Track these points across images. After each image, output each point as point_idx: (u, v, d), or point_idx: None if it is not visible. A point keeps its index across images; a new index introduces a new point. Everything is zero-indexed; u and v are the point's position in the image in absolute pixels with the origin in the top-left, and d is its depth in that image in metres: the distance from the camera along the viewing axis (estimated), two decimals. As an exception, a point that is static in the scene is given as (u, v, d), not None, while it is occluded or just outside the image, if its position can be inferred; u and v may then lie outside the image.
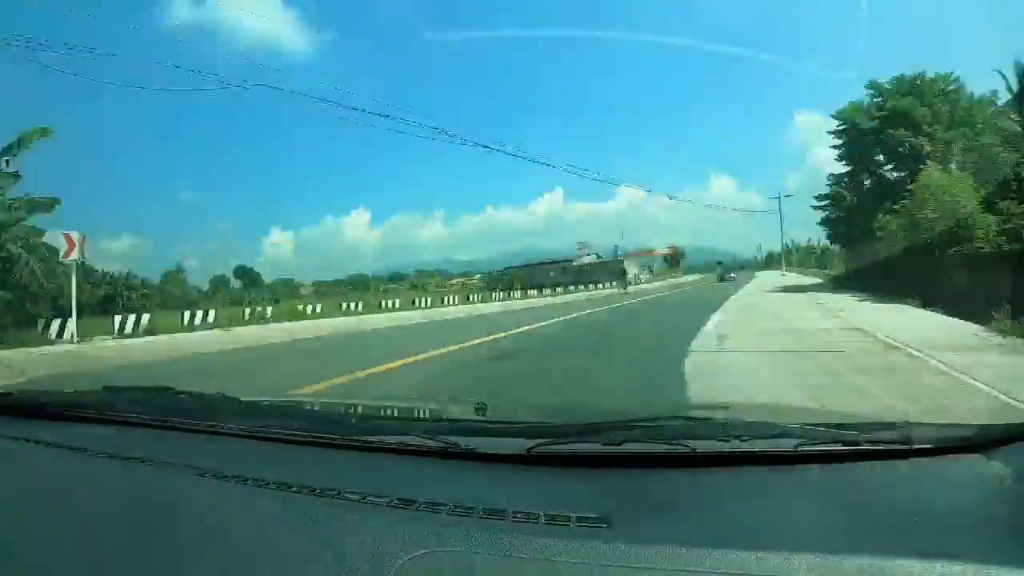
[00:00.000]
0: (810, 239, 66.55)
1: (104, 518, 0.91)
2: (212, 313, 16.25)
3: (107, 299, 23.48)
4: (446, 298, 30.35)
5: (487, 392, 5.55)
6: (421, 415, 1.52)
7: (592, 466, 0.97)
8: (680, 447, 0.96)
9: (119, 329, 13.13)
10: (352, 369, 6.84)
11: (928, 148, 17.46)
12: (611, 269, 47.06)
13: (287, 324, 15.82)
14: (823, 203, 23.62)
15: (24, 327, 12.27)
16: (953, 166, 16.30)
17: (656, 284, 47.47)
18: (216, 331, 13.77)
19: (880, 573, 0.66)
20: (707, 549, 0.70)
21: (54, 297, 14.13)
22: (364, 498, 0.87)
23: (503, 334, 11.03)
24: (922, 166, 15.72)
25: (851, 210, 21.26)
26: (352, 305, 23.48)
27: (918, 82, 19.40)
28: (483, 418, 1.26)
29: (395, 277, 75.74)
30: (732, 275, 48.52)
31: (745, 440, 0.96)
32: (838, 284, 23.56)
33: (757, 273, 58.09)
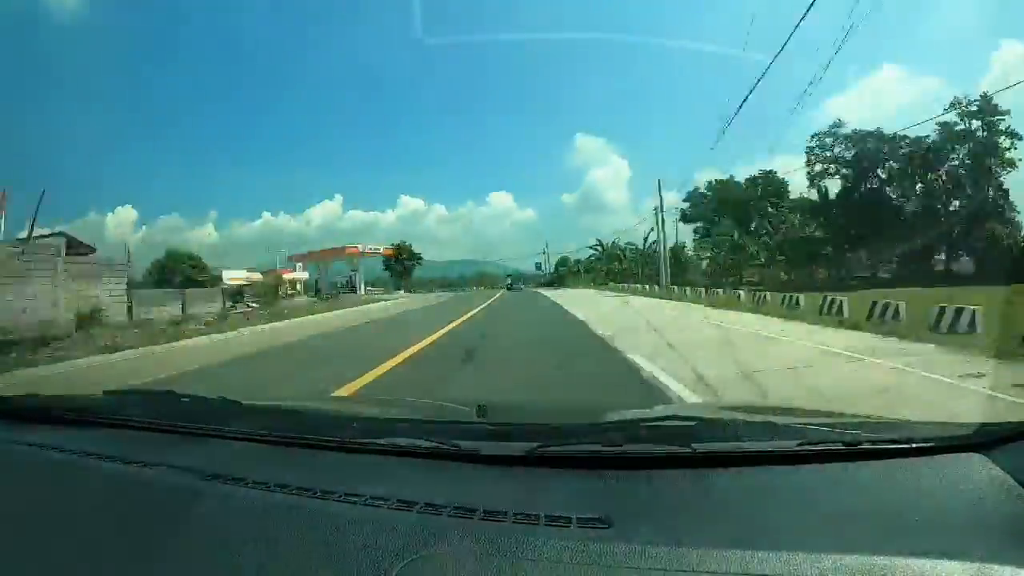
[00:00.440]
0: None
1: (105, 522, 0.91)
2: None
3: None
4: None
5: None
6: (422, 417, 1.52)
7: (592, 467, 0.97)
8: (680, 447, 0.96)
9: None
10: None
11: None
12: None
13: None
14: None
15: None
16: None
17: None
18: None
19: (881, 572, 0.66)
20: (708, 549, 0.70)
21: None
22: (365, 500, 0.87)
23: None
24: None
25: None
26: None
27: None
28: (484, 420, 1.26)
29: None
30: (520, 286, 48.31)
31: (745, 440, 0.96)
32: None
33: (565, 290, 43.11)
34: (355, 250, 47.41)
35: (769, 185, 41.69)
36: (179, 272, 26.84)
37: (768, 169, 42.38)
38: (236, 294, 23.50)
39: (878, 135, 34.48)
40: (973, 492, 0.89)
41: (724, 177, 45.01)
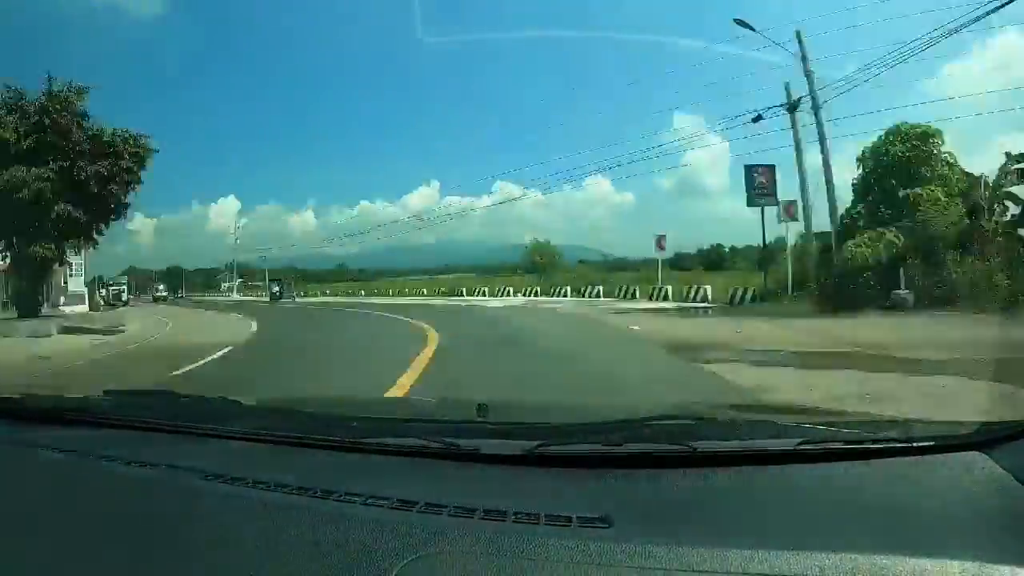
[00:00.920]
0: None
1: (105, 522, 0.91)
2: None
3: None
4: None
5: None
6: (422, 416, 1.52)
7: (593, 466, 0.97)
8: (681, 447, 0.96)
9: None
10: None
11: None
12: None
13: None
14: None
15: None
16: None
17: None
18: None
19: (882, 571, 0.66)
20: (708, 549, 0.70)
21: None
22: (365, 500, 0.87)
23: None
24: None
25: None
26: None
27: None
28: (484, 419, 1.26)
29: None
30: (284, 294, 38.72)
31: (746, 439, 0.96)
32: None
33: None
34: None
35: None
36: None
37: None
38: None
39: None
40: (974, 491, 0.89)
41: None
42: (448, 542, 0.75)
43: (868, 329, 10.89)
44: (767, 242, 22.01)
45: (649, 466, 0.96)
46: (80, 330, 14.78)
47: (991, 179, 16.10)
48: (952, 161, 18.05)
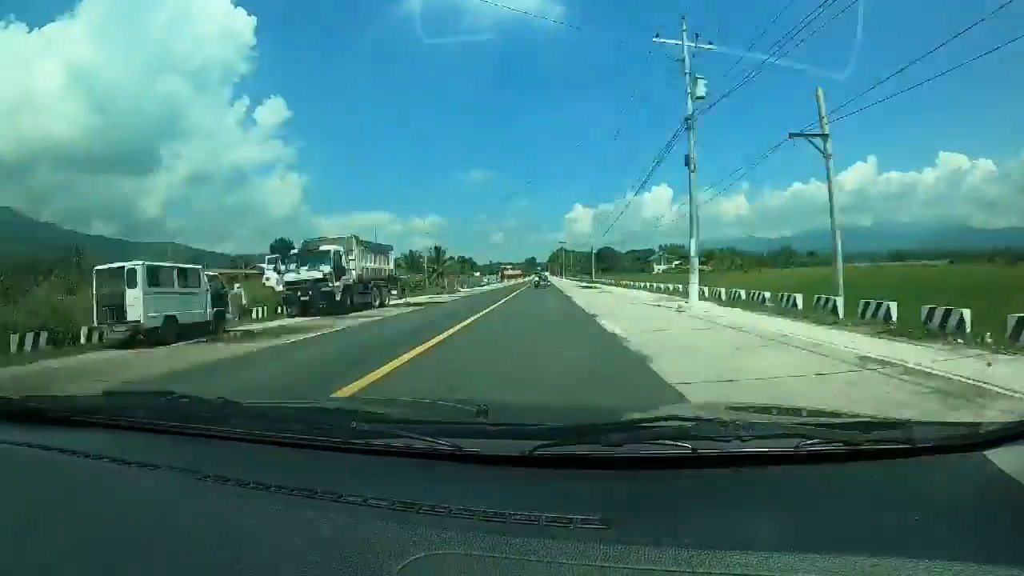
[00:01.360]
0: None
1: (105, 522, 0.91)
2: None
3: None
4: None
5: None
6: (422, 418, 1.52)
7: (593, 468, 0.97)
8: (680, 448, 0.96)
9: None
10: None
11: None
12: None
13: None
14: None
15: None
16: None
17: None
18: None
19: (882, 572, 0.66)
20: (708, 550, 0.70)
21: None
22: (366, 501, 0.87)
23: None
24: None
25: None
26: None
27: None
28: (484, 420, 1.26)
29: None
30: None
31: (745, 440, 0.96)
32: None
33: None
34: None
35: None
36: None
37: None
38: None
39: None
40: (973, 492, 0.89)
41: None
42: (449, 543, 0.75)
43: None
44: None
45: (649, 467, 0.96)
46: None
47: None
48: None
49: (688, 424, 1.08)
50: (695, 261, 18.20)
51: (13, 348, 11.05)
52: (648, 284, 36.10)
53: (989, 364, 5.82)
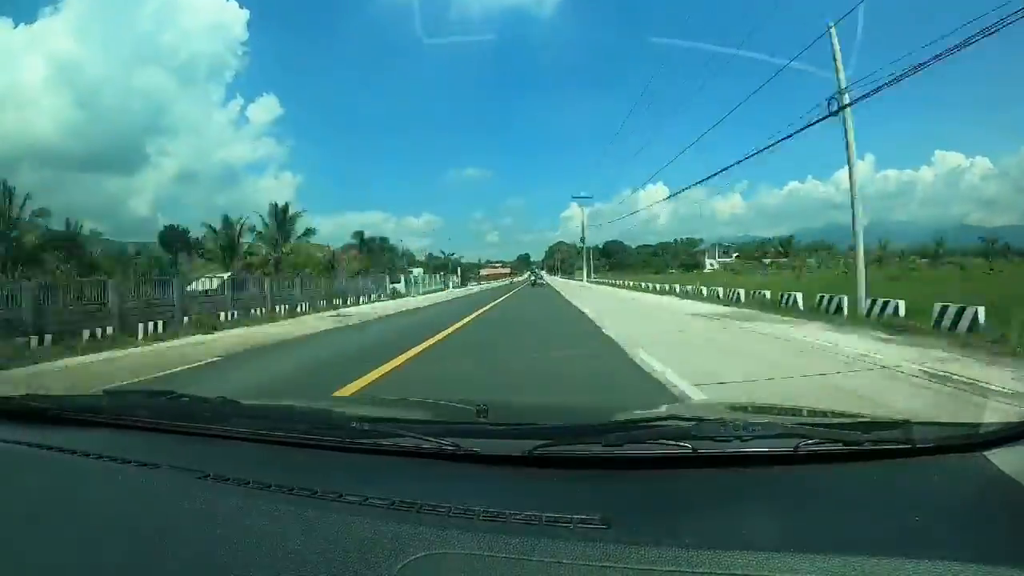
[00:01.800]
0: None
1: (105, 522, 0.91)
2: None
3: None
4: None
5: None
6: (422, 417, 1.52)
7: (592, 468, 0.97)
8: (680, 448, 0.96)
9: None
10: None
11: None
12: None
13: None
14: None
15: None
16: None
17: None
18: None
19: (882, 572, 0.66)
20: (708, 550, 0.70)
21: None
22: (366, 500, 0.87)
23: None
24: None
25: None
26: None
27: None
28: (484, 420, 1.26)
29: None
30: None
31: (745, 440, 0.96)
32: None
33: None
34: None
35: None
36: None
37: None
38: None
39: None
40: (973, 492, 0.89)
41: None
42: (448, 543, 0.75)
43: None
44: None
45: (649, 467, 0.96)
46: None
47: None
48: None
49: (688, 424, 1.08)
50: (860, 251, 12.30)
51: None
52: (688, 288, 24.10)
53: None
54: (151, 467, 1.06)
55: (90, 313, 12.24)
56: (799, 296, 14.13)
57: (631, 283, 38.73)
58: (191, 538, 0.83)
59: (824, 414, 1.50)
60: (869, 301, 11.37)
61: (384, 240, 61.37)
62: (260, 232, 34.40)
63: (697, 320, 13.01)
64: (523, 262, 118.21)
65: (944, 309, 8.79)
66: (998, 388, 4.97)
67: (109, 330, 12.03)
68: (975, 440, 0.99)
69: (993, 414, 3.94)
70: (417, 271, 49.62)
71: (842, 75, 12.21)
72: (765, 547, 0.70)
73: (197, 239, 39.16)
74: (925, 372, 5.85)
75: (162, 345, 11.13)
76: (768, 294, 16.08)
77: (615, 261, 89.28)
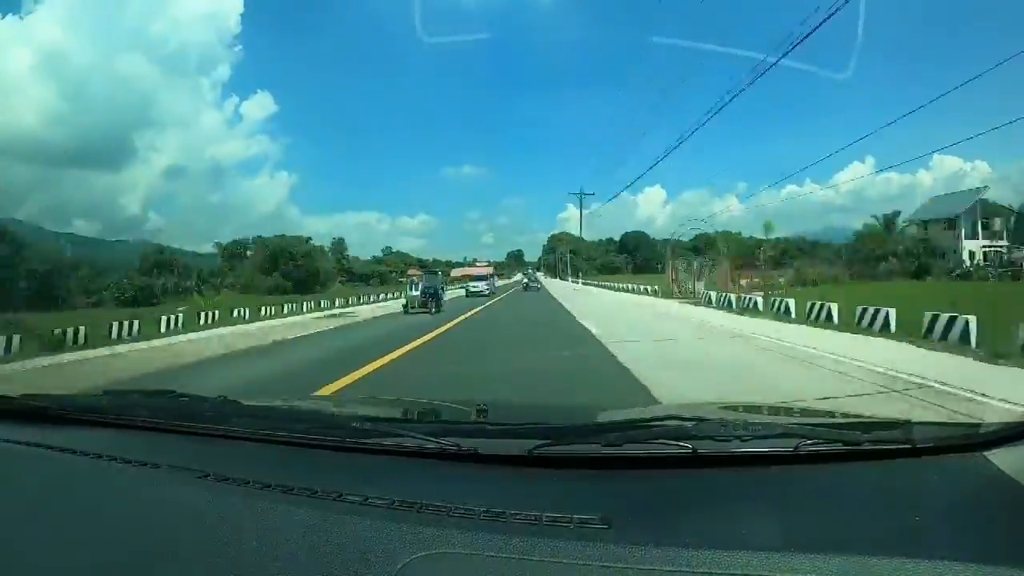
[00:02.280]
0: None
1: (105, 521, 0.91)
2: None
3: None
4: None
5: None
6: (423, 417, 1.52)
7: (593, 467, 0.97)
8: (680, 448, 0.96)
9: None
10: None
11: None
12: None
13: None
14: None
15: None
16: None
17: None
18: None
19: (882, 572, 0.66)
20: (707, 550, 0.70)
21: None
22: (366, 500, 0.87)
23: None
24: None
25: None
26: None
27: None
28: (484, 420, 1.26)
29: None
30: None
31: (745, 440, 0.96)
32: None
33: None
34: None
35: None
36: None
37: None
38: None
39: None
40: (973, 492, 0.89)
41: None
42: (449, 543, 0.75)
43: None
44: None
45: (649, 467, 0.96)
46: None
47: None
48: None
49: (688, 424, 1.08)
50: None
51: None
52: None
53: None
54: (151, 467, 1.06)
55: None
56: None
57: (648, 288, 29.76)
58: (191, 538, 0.83)
59: (824, 414, 1.50)
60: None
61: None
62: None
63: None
64: (516, 260, 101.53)
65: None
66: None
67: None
68: (975, 440, 0.99)
69: (993, 414, 3.93)
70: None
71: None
72: (765, 547, 0.70)
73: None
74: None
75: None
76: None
77: (641, 258, 71.61)
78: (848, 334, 9.42)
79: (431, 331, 12.09)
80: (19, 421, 1.39)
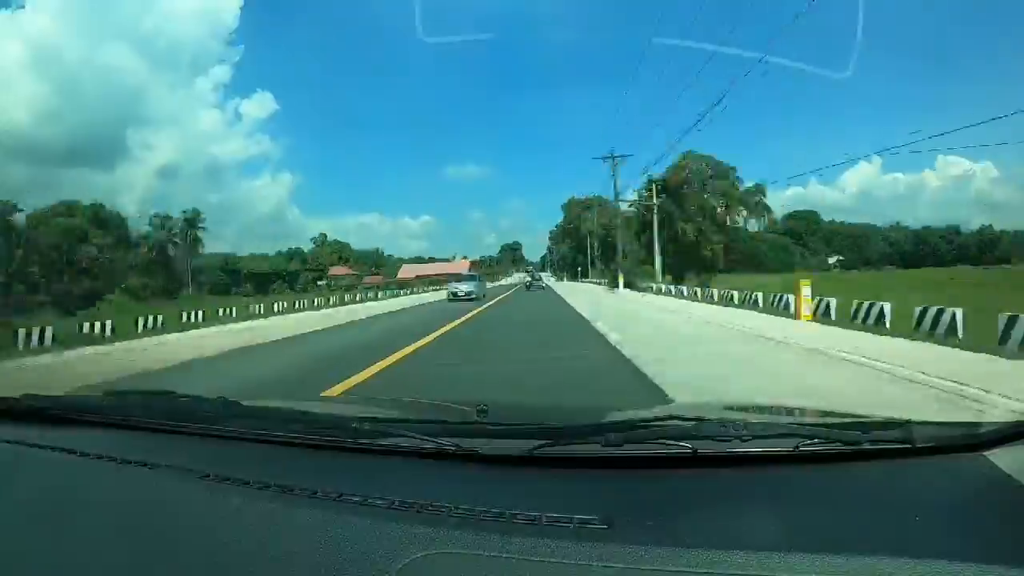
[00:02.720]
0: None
1: (105, 522, 0.91)
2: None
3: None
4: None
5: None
6: (422, 417, 1.52)
7: (593, 467, 0.97)
8: (680, 448, 0.96)
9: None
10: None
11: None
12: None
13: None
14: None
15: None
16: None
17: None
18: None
19: (882, 572, 0.66)
20: (708, 550, 0.70)
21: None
22: (365, 500, 0.87)
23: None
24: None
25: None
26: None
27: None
28: (484, 420, 1.26)
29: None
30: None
31: (745, 440, 0.96)
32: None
33: None
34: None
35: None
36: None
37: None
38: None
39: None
40: (973, 492, 0.89)
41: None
42: (448, 543, 0.75)
43: None
44: None
45: (649, 467, 0.96)
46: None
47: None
48: None
49: (688, 424, 1.08)
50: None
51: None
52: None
53: None
54: (152, 467, 1.06)
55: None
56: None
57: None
58: (192, 538, 0.83)
59: (824, 414, 1.50)
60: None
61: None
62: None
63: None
64: (512, 255, 78.53)
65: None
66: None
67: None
68: (975, 440, 0.99)
69: (993, 414, 3.93)
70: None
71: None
72: (765, 547, 0.70)
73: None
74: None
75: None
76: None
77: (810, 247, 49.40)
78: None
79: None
80: (19, 421, 1.39)
